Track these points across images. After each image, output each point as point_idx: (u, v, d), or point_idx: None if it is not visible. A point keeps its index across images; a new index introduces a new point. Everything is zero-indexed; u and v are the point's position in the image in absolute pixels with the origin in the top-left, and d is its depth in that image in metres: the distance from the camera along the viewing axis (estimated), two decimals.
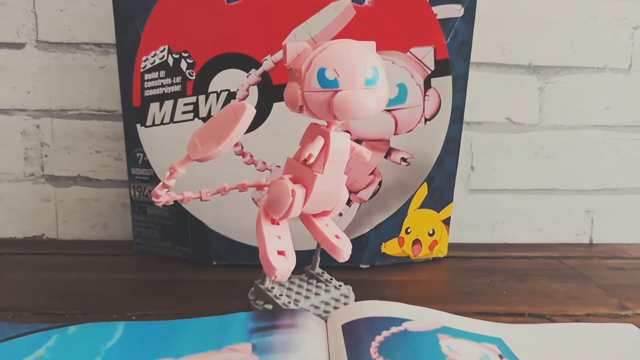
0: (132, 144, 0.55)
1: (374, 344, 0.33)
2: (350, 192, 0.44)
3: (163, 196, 0.40)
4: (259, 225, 0.40)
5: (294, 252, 0.40)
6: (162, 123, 0.53)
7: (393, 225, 0.54)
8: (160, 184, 0.40)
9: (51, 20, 0.61)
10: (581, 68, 0.64)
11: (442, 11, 0.51)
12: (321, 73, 0.36)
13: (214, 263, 0.54)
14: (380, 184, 0.53)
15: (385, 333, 0.34)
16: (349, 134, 0.40)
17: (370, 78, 0.36)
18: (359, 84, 0.36)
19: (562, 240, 0.67)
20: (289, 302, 0.41)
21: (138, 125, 0.53)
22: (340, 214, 0.53)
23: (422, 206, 0.55)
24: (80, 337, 0.36)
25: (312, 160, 0.38)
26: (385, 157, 0.53)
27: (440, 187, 0.55)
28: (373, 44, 0.39)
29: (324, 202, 0.41)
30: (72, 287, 0.48)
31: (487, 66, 0.63)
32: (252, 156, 0.52)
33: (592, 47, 0.63)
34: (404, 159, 0.53)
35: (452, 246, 0.58)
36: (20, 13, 0.61)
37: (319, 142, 0.38)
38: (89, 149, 0.63)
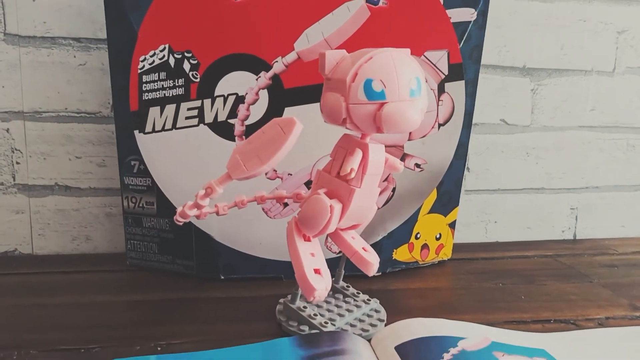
0: (126, 150, 0.50)
1: None
2: None
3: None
4: (291, 242, 0.38)
5: (328, 270, 0.38)
6: (163, 129, 0.48)
7: (404, 231, 0.54)
8: (191, 203, 0.37)
9: (22, 10, 0.54)
10: (570, 71, 0.65)
11: (456, 14, 0.50)
12: (368, 84, 0.34)
13: (222, 277, 0.51)
14: (394, 190, 0.52)
15: (447, 356, 0.33)
16: (383, 146, 0.38)
17: (414, 89, 0.35)
18: (404, 95, 0.34)
19: (549, 237, 0.69)
20: (326, 323, 0.39)
21: (136, 132, 0.49)
22: None
23: (431, 211, 0.55)
24: None
25: (353, 175, 0.36)
26: None
27: (448, 191, 0.55)
28: (408, 51, 0.38)
29: (357, 216, 0.39)
30: (70, 314, 0.43)
31: (484, 67, 0.63)
32: None
33: (580, 50, 0.65)
34: (417, 165, 0.52)
35: None
36: None
37: (359, 155, 0.37)
38: (68, 155, 0.57)
